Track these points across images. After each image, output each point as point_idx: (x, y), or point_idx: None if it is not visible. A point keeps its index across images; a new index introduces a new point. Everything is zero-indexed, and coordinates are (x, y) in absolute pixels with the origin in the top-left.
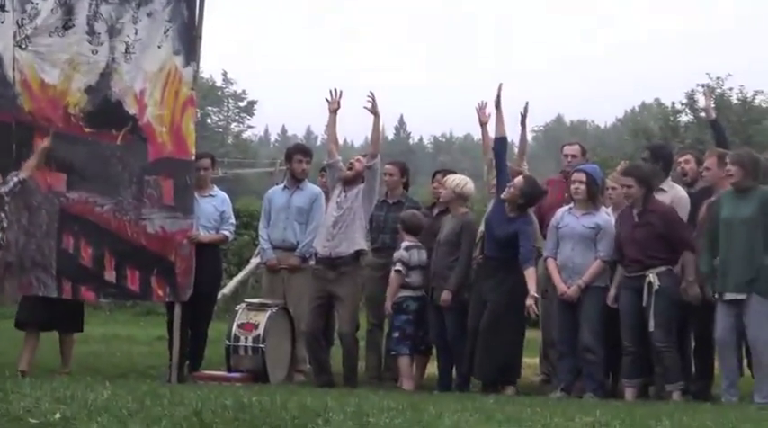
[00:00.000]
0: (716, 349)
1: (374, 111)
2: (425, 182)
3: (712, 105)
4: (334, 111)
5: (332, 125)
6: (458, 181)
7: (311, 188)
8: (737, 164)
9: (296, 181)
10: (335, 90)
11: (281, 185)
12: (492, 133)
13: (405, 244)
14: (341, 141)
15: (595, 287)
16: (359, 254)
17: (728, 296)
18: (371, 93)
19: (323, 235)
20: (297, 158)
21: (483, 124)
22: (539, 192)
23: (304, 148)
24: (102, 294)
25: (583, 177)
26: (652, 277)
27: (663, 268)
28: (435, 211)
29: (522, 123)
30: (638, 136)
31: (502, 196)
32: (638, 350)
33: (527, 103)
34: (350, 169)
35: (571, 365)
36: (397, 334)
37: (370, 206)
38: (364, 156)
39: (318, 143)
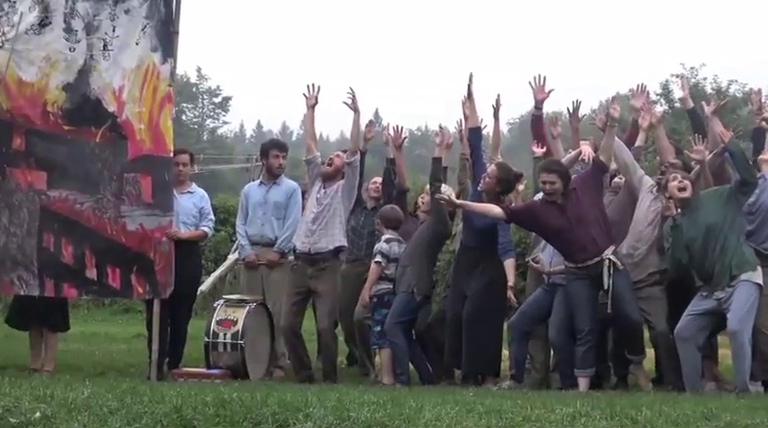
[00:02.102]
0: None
1: (354, 107)
2: None
3: (688, 94)
4: (311, 107)
5: (310, 121)
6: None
7: (288, 183)
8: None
9: (272, 176)
10: (313, 85)
11: (258, 181)
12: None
13: (385, 236)
14: (317, 136)
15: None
16: (338, 250)
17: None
18: (351, 89)
19: (302, 230)
20: (273, 153)
21: (467, 118)
22: (514, 177)
23: (279, 143)
24: (85, 291)
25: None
26: (613, 257)
27: (613, 247)
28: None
29: (495, 116)
30: None
31: (479, 189)
32: (594, 339)
33: (499, 96)
34: (329, 165)
35: (519, 352)
36: (378, 328)
37: (350, 202)
38: (344, 151)
39: (294, 138)
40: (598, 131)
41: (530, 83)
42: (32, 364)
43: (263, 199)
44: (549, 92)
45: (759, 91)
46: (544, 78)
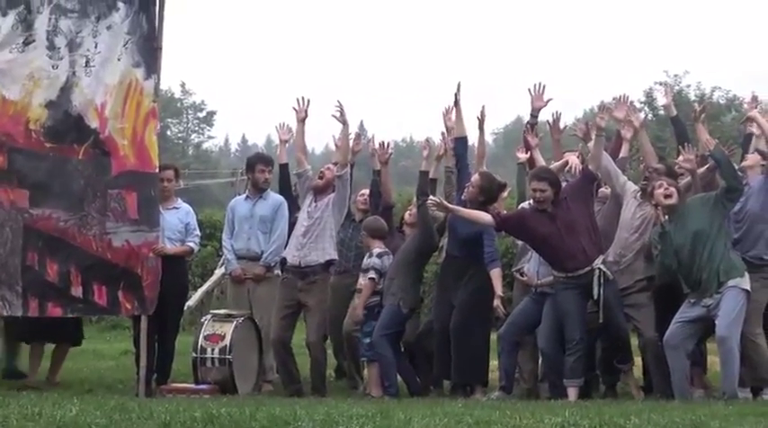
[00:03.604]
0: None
1: (343, 120)
2: None
3: (671, 102)
4: (301, 121)
5: (300, 134)
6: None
7: (274, 197)
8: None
9: (258, 190)
10: (303, 99)
11: (244, 195)
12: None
13: (376, 251)
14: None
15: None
16: (329, 263)
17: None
18: (339, 103)
19: (293, 244)
20: (258, 168)
21: (449, 129)
22: (497, 186)
23: (265, 158)
24: (70, 309)
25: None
26: (603, 267)
27: (602, 257)
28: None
29: (480, 127)
30: None
31: (462, 197)
32: (584, 348)
33: (483, 107)
34: (320, 178)
35: (509, 363)
36: (368, 340)
37: (341, 216)
38: (335, 164)
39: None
40: (579, 141)
41: (528, 90)
42: (28, 378)
43: (250, 213)
44: (548, 101)
45: (755, 97)
46: (543, 87)
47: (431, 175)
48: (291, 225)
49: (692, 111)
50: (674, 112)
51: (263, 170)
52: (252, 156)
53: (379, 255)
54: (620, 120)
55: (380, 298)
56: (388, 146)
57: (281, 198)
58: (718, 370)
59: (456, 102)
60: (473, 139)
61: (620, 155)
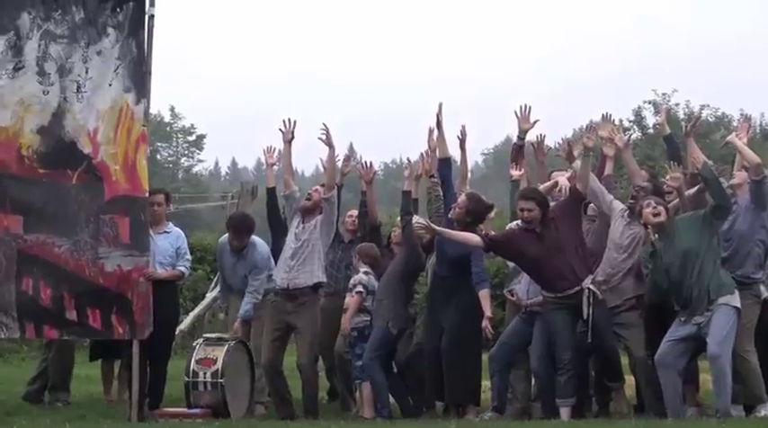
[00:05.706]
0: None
1: (329, 142)
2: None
3: (665, 121)
4: (288, 142)
5: (287, 156)
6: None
7: (259, 252)
8: None
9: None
10: (289, 120)
11: (229, 246)
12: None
13: (363, 269)
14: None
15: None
16: (317, 286)
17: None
18: (325, 125)
19: (281, 266)
20: (230, 235)
21: (433, 149)
22: (484, 208)
23: (236, 228)
24: (66, 332)
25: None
26: (593, 287)
27: (591, 276)
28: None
29: (462, 147)
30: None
31: (449, 217)
32: (575, 367)
33: (463, 127)
34: (308, 200)
35: (501, 383)
36: (360, 362)
37: (329, 238)
38: (323, 185)
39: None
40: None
41: (515, 112)
42: (106, 394)
43: (233, 268)
44: (534, 122)
45: (749, 117)
46: (529, 108)
47: (412, 196)
48: (280, 248)
49: (681, 128)
50: (668, 131)
51: (234, 237)
52: (230, 218)
53: (366, 273)
54: (604, 138)
55: (370, 319)
56: (371, 165)
57: (266, 253)
58: (710, 388)
59: (438, 124)
60: (456, 159)
61: (606, 172)
